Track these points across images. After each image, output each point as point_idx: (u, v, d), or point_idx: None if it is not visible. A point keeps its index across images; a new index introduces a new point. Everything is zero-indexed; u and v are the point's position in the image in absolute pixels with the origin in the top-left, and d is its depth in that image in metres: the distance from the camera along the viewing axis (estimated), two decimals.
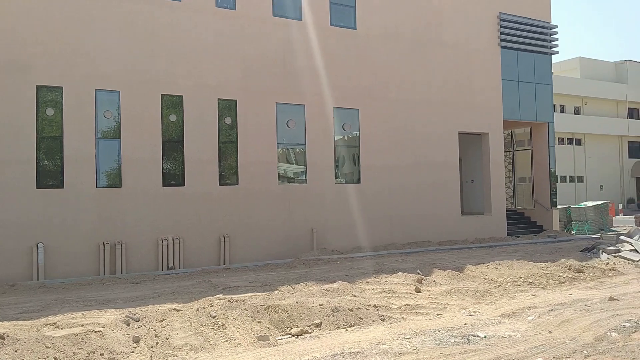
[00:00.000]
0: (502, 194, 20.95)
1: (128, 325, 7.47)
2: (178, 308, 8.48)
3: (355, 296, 9.23)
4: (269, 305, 8.06)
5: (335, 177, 17.15)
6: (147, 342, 6.84)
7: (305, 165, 16.64)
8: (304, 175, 16.66)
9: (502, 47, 20.85)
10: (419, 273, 11.66)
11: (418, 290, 10.05)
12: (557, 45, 22.50)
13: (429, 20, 19.19)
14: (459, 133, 19.69)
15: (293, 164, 16.92)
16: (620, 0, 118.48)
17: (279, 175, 16.24)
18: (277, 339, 7.06)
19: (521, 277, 11.17)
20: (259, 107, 15.84)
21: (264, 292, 9.87)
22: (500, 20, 20.79)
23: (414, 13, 18.91)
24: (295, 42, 16.53)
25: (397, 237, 17.87)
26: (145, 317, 7.83)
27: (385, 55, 18.14)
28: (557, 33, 22.44)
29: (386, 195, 17.89)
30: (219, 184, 15.20)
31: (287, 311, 7.89)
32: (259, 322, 7.54)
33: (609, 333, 6.73)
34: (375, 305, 8.62)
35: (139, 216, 14.06)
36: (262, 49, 16.02)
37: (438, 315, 8.33)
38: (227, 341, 6.90)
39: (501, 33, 20.80)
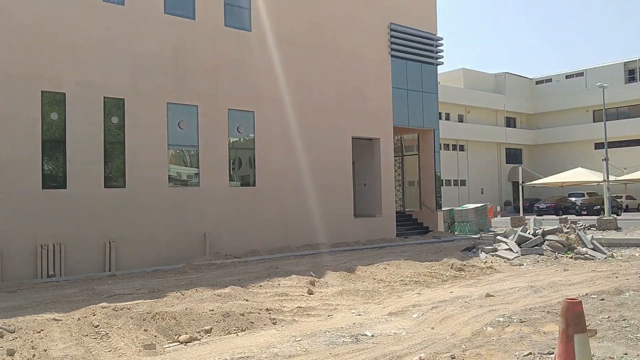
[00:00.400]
0: (392, 197, 21.77)
1: (2, 337, 6.88)
2: (58, 318, 7.93)
3: (247, 300, 9.15)
4: (156, 313, 7.77)
5: (230, 180, 16.95)
6: (22, 354, 6.34)
7: (198, 168, 16.28)
8: (197, 178, 16.29)
9: (392, 56, 21.71)
10: (312, 275, 11.79)
11: (310, 292, 10.16)
12: (442, 57, 23.81)
13: (324, 27, 19.54)
14: (352, 138, 20.21)
15: (188, 166, 16.49)
16: (499, 16, 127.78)
17: (170, 178, 15.75)
18: (164, 347, 6.82)
19: (408, 277, 11.65)
20: (149, 107, 15.28)
21: (151, 299, 9.50)
22: (391, 30, 21.64)
23: (309, 19, 19.17)
24: (188, 41, 16.15)
25: (292, 240, 17.98)
26: (21, 329, 7.26)
27: (280, 59, 18.22)
28: (442, 45, 23.74)
29: (281, 198, 17.95)
30: (105, 187, 14.47)
31: (175, 318, 7.65)
32: (145, 330, 7.24)
33: (485, 328, 7.17)
34: (267, 309, 8.59)
35: (15, 221, 13.02)
36: (153, 47, 15.49)
37: (329, 316, 8.46)
38: (110, 351, 6.55)
39: (391, 43, 21.65)
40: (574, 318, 3.74)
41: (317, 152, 19.00)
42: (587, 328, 3.86)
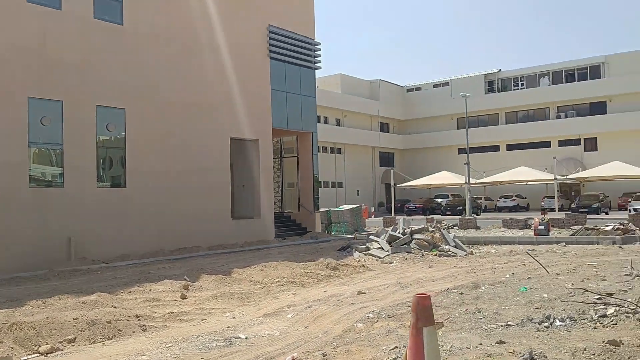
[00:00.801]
0: (270, 199, 21.86)
1: None
2: None
3: (115, 307, 8.70)
4: (14, 323, 7.16)
5: (99, 181, 16.03)
6: None
7: (62, 168, 15.20)
8: (61, 179, 15.21)
9: (271, 58, 21.81)
10: (185, 279, 11.49)
11: (184, 297, 9.89)
12: (320, 61, 24.35)
13: (202, 25, 19.15)
14: (231, 139, 20.00)
15: (53, 165, 15.33)
16: (374, 25, 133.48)
17: (32, 178, 14.56)
18: (21, 359, 6.30)
19: (284, 277, 11.76)
20: (7, 101, 14.03)
21: (8, 308, 8.73)
22: (270, 32, 21.74)
23: (186, 15, 18.70)
24: (53, 32, 15.05)
25: (166, 243, 17.40)
26: None
27: (155, 55, 17.58)
28: (320, 49, 24.29)
29: (155, 200, 17.30)
30: None
31: (35, 328, 7.09)
32: (1, 342, 6.65)
33: (355, 324, 7.43)
34: (137, 316, 8.23)
35: None
36: (13, 38, 14.24)
37: (203, 320, 8.29)
38: None
39: (270, 45, 21.76)
40: (423, 312, 3.98)
41: (194, 152, 18.57)
42: (435, 321, 4.11)
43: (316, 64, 24.18)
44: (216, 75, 19.52)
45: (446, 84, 56.00)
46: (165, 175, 17.65)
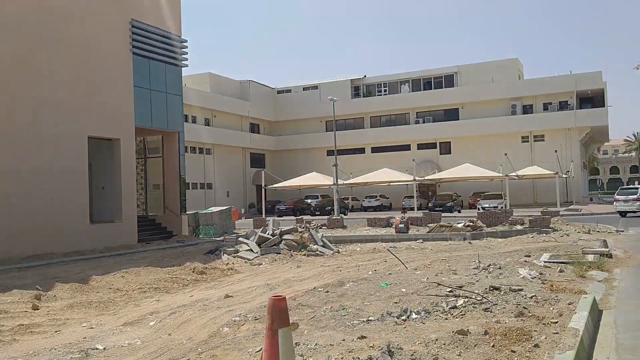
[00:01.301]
0: (133, 201, 20.86)
1: None
2: None
3: None
4: None
5: None
6: None
7: None
8: None
9: (134, 53, 20.84)
10: (37, 288, 10.60)
11: (36, 308, 9.13)
12: (187, 59, 23.71)
13: (57, 17, 17.79)
14: (89, 137, 18.79)
15: None
16: (246, 25, 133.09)
17: None
18: None
19: (147, 284, 11.28)
20: None
21: None
22: (132, 27, 20.76)
23: (39, 4, 17.25)
24: None
25: (16, 250, 15.91)
26: None
27: (4, 48, 16.01)
28: (187, 47, 23.65)
29: (2, 204, 15.75)
30: None
31: None
32: None
33: (221, 328, 7.31)
34: None
35: None
36: None
37: (57, 332, 7.70)
38: None
39: (133, 40, 20.77)
40: (278, 314, 4.03)
41: (47, 152, 17.18)
42: (290, 322, 4.19)
43: (183, 62, 23.52)
44: (72, 70, 18.22)
45: (315, 87, 57.34)
46: (13, 176, 16.14)
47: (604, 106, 46.80)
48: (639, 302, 7.96)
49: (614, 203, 30.77)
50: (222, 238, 21.68)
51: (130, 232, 20.21)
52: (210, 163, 49.13)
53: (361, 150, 53.93)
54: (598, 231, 19.52)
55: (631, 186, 37.28)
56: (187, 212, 24.57)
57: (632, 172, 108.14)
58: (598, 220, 23.53)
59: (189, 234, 23.98)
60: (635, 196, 29.56)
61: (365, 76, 56.96)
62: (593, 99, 48.00)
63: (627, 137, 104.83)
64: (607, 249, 13.20)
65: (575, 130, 46.68)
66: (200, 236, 24.47)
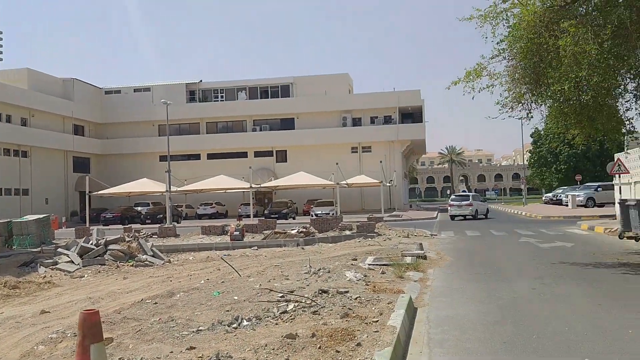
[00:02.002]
0: None
1: None
2: None
3: None
4: None
5: None
6: None
7: None
8: None
9: None
10: None
11: None
12: (1, 52, 21.35)
13: None
14: None
15: None
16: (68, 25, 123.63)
17: None
18: None
19: None
20: None
21: None
22: None
23: None
24: None
25: None
26: None
27: None
28: (1, 39, 21.30)
29: None
30: None
31: None
32: None
33: (36, 347, 6.67)
34: None
35: None
36: None
37: None
38: None
39: None
40: (90, 329, 3.82)
41: None
42: (104, 337, 4.00)
43: None
44: None
45: (147, 89, 55.09)
46: None
47: (422, 121, 51.55)
48: (448, 300, 8.85)
49: (449, 208, 34.36)
50: (39, 249, 19.73)
51: None
52: (27, 167, 44.70)
53: (197, 157, 52.97)
54: (416, 235, 21.32)
55: (463, 193, 42.97)
56: None
57: (445, 181, 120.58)
58: (416, 225, 25.76)
59: (1, 245, 21.47)
60: (468, 201, 33.71)
61: (201, 81, 56.16)
62: (413, 115, 52.64)
63: (441, 150, 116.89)
64: (423, 252, 14.48)
65: (398, 143, 50.75)
66: (14, 247, 22.04)
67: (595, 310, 7.69)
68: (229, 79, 61.51)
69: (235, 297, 8.67)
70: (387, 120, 51.84)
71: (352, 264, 12.22)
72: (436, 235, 22.07)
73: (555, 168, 58.27)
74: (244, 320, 6.90)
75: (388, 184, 45.32)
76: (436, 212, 44.48)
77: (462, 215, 33.72)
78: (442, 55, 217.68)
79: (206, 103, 54.84)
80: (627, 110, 12.69)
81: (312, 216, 35.01)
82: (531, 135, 62.32)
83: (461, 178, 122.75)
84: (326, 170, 41.25)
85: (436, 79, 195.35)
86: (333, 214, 34.77)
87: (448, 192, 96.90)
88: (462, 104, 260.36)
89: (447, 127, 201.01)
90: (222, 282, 10.76)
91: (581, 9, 11.48)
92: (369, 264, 12.16)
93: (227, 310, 7.73)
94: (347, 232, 21.20)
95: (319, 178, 39.51)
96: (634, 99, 12.37)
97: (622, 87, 12.13)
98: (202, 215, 45.10)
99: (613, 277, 10.47)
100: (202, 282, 11.17)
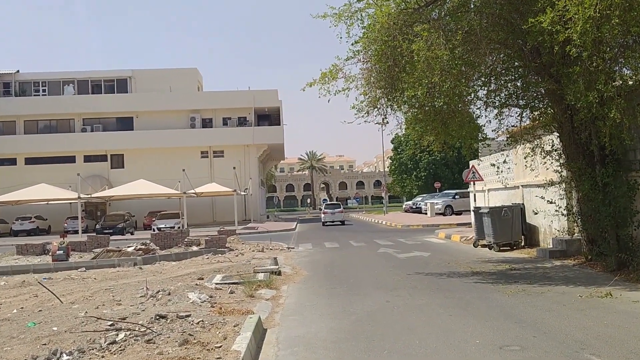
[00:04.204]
0: None
1: None
2: None
3: None
4: None
5: None
6: None
7: None
8: None
9: None
10: None
11: None
12: None
13: None
14: None
15: None
16: None
17: None
18: None
19: None
20: None
21: None
22: None
23: None
24: None
25: None
26: None
27: None
28: None
29: None
30: None
31: None
32: None
33: None
34: None
35: None
36: None
37: None
38: None
39: None
40: None
41: None
42: None
43: None
44: None
45: None
46: None
47: (280, 124, 52.42)
48: (300, 318, 9.12)
49: (322, 215, 43.19)
50: None
51: None
52: None
53: (12, 161, 48.98)
54: (271, 249, 21.64)
55: (334, 202, 52.38)
56: None
57: (305, 189, 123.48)
58: (273, 238, 26.13)
59: None
60: (339, 209, 42.98)
61: (18, 71, 52.13)
62: (270, 117, 53.38)
63: (301, 155, 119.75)
64: (277, 267, 14.76)
65: (254, 147, 51.07)
66: None
67: (447, 321, 8.39)
68: (52, 69, 57.76)
69: (55, 328, 8.19)
70: (242, 122, 51.99)
71: (197, 284, 12.11)
72: (293, 248, 22.59)
73: (416, 175, 62.48)
74: (64, 355, 6.56)
75: (243, 193, 45.45)
76: (295, 222, 45.54)
77: (334, 222, 41.53)
78: (300, 54, 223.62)
79: (24, 97, 50.91)
80: (478, 117, 14.05)
81: (153, 230, 33.98)
82: (392, 141, 66.21)
83: (322, 186, 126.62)
84: (171, 178, 40.30)
85: (295, 79, 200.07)
86: (179, 227, 34.10)
87: (308, 200, 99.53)
88: (322, 106, 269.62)
89: (307, 131, 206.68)
90: (40, 310, 10.10)
91: (434, 13, 12.47)
92: (217, 283, 12.13)
93: (44, 344, 7.29)
94: (195, 248, 20.93)
95: (163, 187, 38.51)
96: (484, 106, 13.72)
97: (472, 94, 13.37)
98: (18, 232, 41.65)
99: (465, 287, 11.47)
100: (15, 311, 10.38)
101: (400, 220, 39.18)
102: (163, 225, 36.26)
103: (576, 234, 14.95)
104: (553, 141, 14.30)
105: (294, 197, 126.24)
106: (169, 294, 10.64)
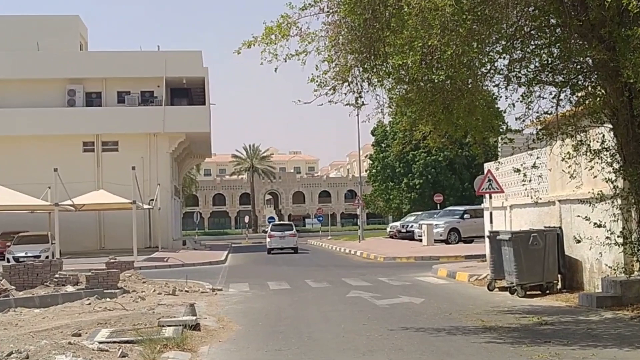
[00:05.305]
0: None
1: None
2: None
3: None
4: None
5: None
6: None
7: None
8: None
9: None
10: None
11: None
12: None
13: None
14: None
15: None
16: None
17: None
18: None
19: None
20: None
21: None
22: None
23: None
24: None
25: None
26: None
27: None
28: None
29: None
30: None
31: None
32: None
33: None
34: None
35: None
36: None
37: None
38: None
39: None
40: None
41: None
42: None
43: None
44: None
45: None
46: None
47: (205, 103, 51.92)
48: None
49: (267, 239, 45.05)
50: None
51: None
52: None
53: None
54: (187, 291, 21.50)
55: (284, 222, 59.36)
56: None
57: (242, 202, 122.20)
58: (190, 275, 25.94)
59: None
60: (291, 232, 44.97)
61: None
62: (190, 93, 52.96)
63: (237, 151, 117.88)
64: (194, 318, 14.65)
65: (164, 137, 50.34)
66: None
67: None
68: None
69: None
70: (147, 99, 51.45)
71: (71, 343, 11.95)
72: (221, 290, 22.46)
73: (407, 183, 62.46)
74: None
75: (147, 206, 45.03)
76: (226, 252, 45.21)
77: (283, 249, 43.57)
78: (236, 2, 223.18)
79: None
80: (496, 99, 14.15)
81: (8, 261, 33.44)
82: (372, 133, 66.25)
83: (268, 197, 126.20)
84: (37, 182, 39.74)
85: (227, 39, 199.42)
86: (47, 256, 33.61)
87: (247, 219, 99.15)
88: (269, 80, 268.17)
89: (246, 115, 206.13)
90: None
91: None
92: (101, 342, 12.00)
93: None
94: (70, 288, 20.66)
95: (24, 195, 37.98)
96: (505, 83, 13.81)
97: (488, 64, 13.45)
98: None
99: (472, 349, 11.57)
100: None
101: (383, 251, 39.35)
102: (23, 254, 35.75)
103: (637, 272, 15.11)
104: (604, 136, 14.45)
105: (224, 213, 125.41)
106: (27, 357, 10.49)
